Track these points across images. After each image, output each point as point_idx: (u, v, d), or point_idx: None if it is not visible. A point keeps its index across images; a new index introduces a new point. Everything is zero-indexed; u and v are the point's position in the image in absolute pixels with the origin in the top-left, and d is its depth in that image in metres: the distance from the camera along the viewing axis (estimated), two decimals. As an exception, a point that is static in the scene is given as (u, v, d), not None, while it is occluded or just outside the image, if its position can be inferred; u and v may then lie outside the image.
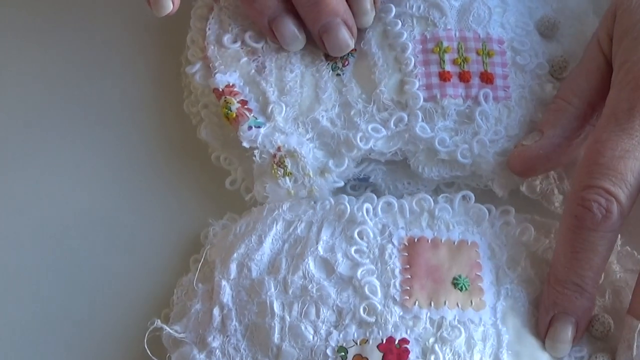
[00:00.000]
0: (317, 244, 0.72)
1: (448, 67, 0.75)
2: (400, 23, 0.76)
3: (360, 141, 0.73)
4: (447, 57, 0.75)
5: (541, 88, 0.78)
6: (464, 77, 0.74)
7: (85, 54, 0.84)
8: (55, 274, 0.77)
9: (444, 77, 0.74)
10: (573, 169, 0.76)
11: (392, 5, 0.77)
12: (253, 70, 0.77)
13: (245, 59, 0.77)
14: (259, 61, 0.77)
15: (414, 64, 0.75)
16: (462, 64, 0.75)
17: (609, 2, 0.78)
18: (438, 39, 0.76)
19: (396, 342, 0.67)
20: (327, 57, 0.78)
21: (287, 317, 0.69)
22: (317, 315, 0.69)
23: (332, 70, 0.77)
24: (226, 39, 0.78)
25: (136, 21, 0.85)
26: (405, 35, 0.75)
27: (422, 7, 0.77)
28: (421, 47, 0.75)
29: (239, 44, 0.78)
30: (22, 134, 0.82)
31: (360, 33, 0.78)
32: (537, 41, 0.80)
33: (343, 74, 0.77)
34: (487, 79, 0.75)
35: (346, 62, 0.77)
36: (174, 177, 0.79)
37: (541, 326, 0.73)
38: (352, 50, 0.78)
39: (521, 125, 0.76)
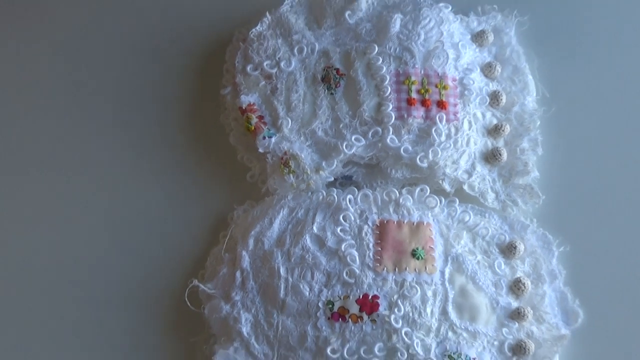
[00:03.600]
0: (312, 224, 0.78)
1: (414, 95, 0.80)
2: (380, 59, 0.81)
3: (346, 148, 0.79)
4: (413, 87, 0.81)
5: (482, 115, 0.84)
6: (425, 103, 0.80)
7: (153, 80, 0.90)
8: (116, 246, 0.85)
9: (410, 102, 0.80)
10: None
11: (375, 45, 0.81)
12: (268, 92, 0.83)
13: (262, 82, 0.84)
14: (273, 84, 0.83)
15: (390, 91, 0.80)
16: (424, 93, 0.80)
17: (538, 54, 0.87)
18: (408, 74, 0.81)
19: (370, 297, 0.75)
20: (323, 80, 0.82)
21: (290, 279, 0.76)
22: (312, 277, 0.76)
23: (327, 90, 0.82)
24: (249, 67, 0.84)
25: (193, 52, 0.90)
26: (384, 69, 0.81)
27: (397, 49, 0.81)
28: (395, 79, 0.81)
29: (258, 71, 0.84)
30: (76, 142, 0.88)
31: (349, 63, 0.82)
32: (481, 80, 0.86)
33: (335, 93, 0.82)
34: (442, 105, 0.81)
35: (338, 85, 0.82)
36: (208, 172, 0.86)
37: None
38: (342, 74, 0.82)
39: (466, 140, 0.82)
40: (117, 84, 0.90)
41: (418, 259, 0.77)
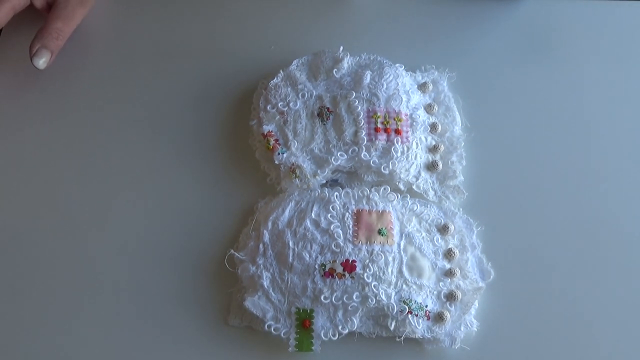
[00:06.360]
0: (311, 212, 0.84)
1: (379, 125, 0.87)
2: (357, 101, 0.88)
3: (334, 160, 0.86)
4: (379, 120, 0.87)
5: (425, 138, 0.91)
6: (387, 131, 0.87)
7: (205, 115, 0.96)
8: (179, 228, 0.89)
9: (377, 130, 0.87)
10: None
11: (353, 92, 0.88)
12: (282, 123, 0.89)
13: (277, 117, 0.89)
14: (285, 118, 0.89)
15: (363, 123, 0.87)
16: (386, 124, 0.87)
17: (462, 98, 0.95)
18: (374, 111, 0.87)
19: (350, 261, 0.81)
20: (319, 115, 0.88)
21: (296, 249, 0.82)
22: (311, 248, 0.81)
23: (321, 122, 0.88)
24: (268, 107, 0.90)
25: (232, 96, 0.96)
26: (359, 108, 0.88)
27: (368, 95, 0.88)
28: (366, 115, 0.87)
29: (275, 109, 0.90)
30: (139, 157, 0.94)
31: (336, 104, 0.88)
32: (424, 115, 0.92)
33: (327, 124, 0.88)
34: (398, 132, 0.87)
35: (328, 118, 0.88)
36: (241, 177, 0.91)
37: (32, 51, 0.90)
38: (331, 111, 0.87)
39: (414, 155, 0.88)
40: (181, 120, 0.96)
41: (382, 235, 0.83)
